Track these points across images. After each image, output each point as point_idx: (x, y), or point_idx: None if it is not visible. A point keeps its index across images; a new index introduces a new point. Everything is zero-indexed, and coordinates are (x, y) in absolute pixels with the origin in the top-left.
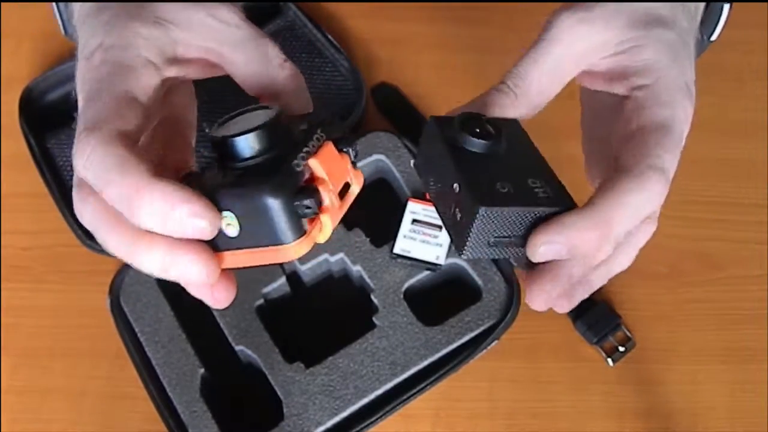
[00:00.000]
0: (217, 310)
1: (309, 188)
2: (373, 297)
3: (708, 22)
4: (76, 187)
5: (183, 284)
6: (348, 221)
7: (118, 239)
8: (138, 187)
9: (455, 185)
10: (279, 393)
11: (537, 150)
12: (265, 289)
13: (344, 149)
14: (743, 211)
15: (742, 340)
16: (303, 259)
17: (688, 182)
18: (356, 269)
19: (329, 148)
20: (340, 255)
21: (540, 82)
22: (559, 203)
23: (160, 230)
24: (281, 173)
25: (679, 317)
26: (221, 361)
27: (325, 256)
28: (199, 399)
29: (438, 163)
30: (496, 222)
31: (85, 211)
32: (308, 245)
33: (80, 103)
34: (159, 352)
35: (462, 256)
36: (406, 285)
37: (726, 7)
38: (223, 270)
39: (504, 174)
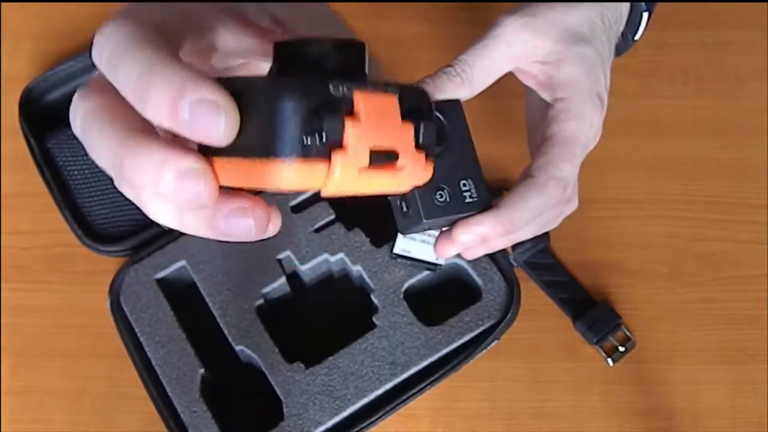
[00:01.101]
0: (218, 310)
1: (335, 112)
2: (373, 297)
3: (632, 25)
4: (81, 89)
5: (187, 207)
6: (348, 221)
7: (109, 140)
8: (152, 63)
9: None
10: (279, 393)
11: (470, 138)
12: (265, 289)
13: (414, 119)
14: (743, 211)
15: (742, 340)
16: (303, 259)
17: (688, 182)
18: (356, 269)
19: (390, 100)
20: (340, 255)
21: (482, 72)
22: (480, 206)
23: (167, 123)
24: (313, 81)
25: (680, 317)
26: (221, 361)
27: (325, 256)
28: (199, 399)
29: None
30: (432, 223)
31: (80, 109)
32: (304, 177)
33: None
34: (159, 352)
35: (400, 233)
36: (406, 285)
37: (645, 13)
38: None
39: (445, 177)
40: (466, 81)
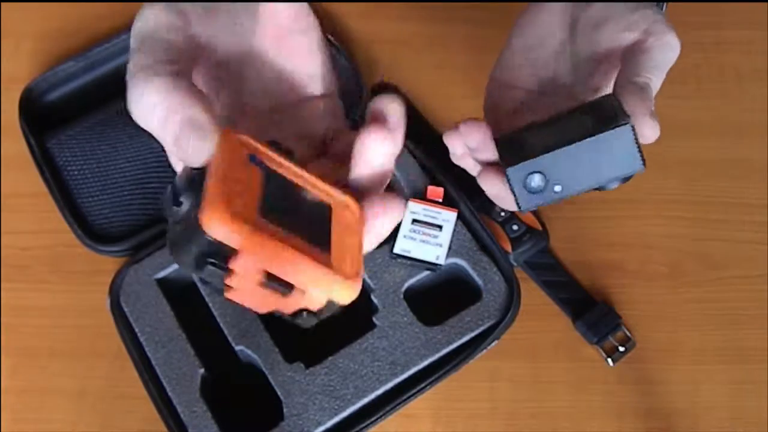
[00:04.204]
0: (217, 309)
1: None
2: (373, 297)
3: None
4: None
5: None
6: None
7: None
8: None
9: None
10: (279, 393)
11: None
12: None
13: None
14: (743, 211)
15: (742, 340)
16: None
17: (688, 182)
18: None
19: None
20: None
21: None
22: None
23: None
24: (195, 234)
25: (680, 317)
26: (221, 361)
27: None
28: (199, 399)
29: None
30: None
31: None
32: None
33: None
34: (159, 352)
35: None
36: (406, 285)
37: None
38: None
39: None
40: None
